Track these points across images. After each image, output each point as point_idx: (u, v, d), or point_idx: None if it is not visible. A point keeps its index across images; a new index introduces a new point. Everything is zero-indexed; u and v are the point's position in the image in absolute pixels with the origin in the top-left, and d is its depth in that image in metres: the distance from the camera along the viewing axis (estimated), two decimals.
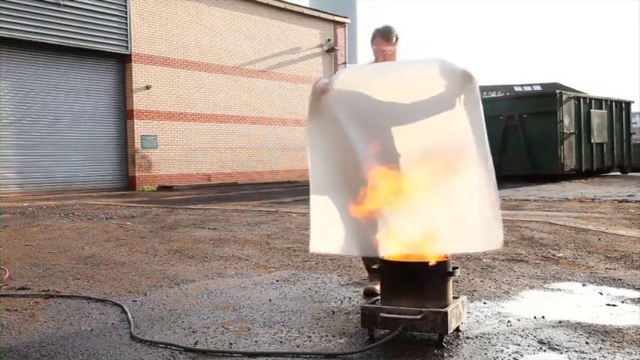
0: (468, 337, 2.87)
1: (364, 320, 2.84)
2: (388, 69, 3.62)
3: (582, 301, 3.57)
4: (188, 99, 19.30)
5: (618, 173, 20.58)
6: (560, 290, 3.88)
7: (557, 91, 18.06)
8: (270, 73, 21.90)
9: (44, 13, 15.98)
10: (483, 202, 3.14)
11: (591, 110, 18.51)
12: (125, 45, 17.72)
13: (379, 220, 3.24)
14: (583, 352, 2.64)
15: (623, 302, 3.52)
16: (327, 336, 2.94)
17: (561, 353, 2.65)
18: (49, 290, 4.07)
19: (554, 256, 5.07)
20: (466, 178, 3.20)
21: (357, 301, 3.61)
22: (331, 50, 24.14)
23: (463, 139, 3.22)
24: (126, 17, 17.70)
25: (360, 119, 3.38)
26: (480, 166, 3.16)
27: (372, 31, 3.95)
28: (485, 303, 3.52)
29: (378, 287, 3.33)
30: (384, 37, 3.77)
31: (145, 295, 3.92)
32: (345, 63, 24.90)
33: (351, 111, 3.40)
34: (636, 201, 10.41)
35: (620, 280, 4.10)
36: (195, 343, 2.84)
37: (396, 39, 3.75)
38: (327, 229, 3.48)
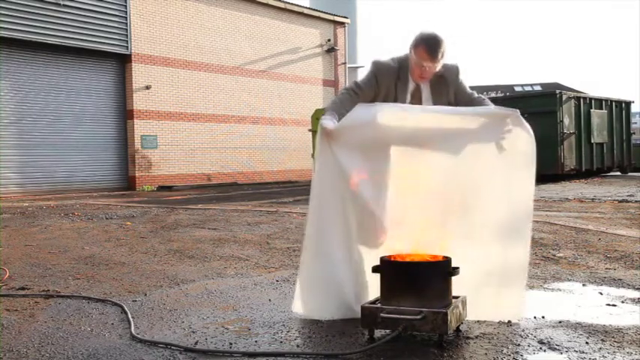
0: (468, 337, 2.87)
1: (364, 320, 2.84)
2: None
3: (582, 301, 3.57)
4: (188, 99, 19.30)
5: (618, 173, 20.57)
6: (560, 290, 3.88)
7: (557, 91, 18.05)
8: (270, 73, 21.91)
9: (44, 13, 15.99)
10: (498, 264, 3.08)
11: (591, 110, 18.50)
12: (125, 45, 17.72)
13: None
14: (583, 352, 2.64)
15: (623, 302, 3.52)
16: (327, 336, 2.94)
17: (561, 353, 2.65)
18: (49, 290, 4.07)
19: (554, 256, 5.07)
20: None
21: None
22: (331, 50, 24.14)
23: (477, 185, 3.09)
24: (126, 17, 17.70)
25: (364, 158, 3.15)
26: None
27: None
28: None
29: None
30: (429, 51, 3.13)
31: (145, 295, 3.92)
32: (345, 63, 24.91)
33: (355, 152, 3.14)
34: (636, 201, 10.41)
35: (620, 280, 4.10)
36: (195, 343, 2.84)
37: (442, 56, 3.16)
38: (320, 289, 3.21)
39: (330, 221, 3.21)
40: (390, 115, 3.14)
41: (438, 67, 3.19)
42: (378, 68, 3.32)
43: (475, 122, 3.12)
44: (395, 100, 3.30)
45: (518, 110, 3.12)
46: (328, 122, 3.17)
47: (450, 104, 3.34)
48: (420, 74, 3.22)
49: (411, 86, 3.31)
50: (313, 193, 3.24)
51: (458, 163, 3.14)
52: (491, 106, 3.26)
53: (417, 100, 3.33)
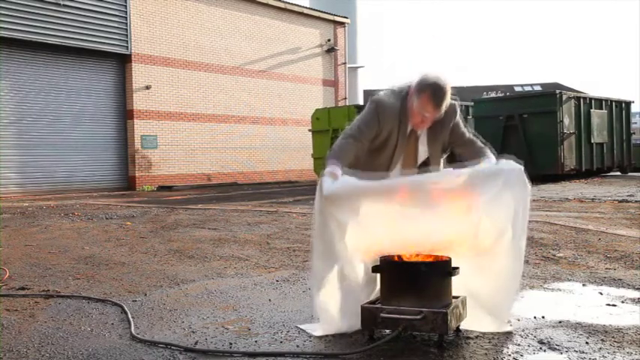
0: (468, 337, 2.87)
1: (364, 320, 2.84)
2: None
3: (582, 301, 3.57)
4: (188, 99, 19.31)
5: (618, 173, 20.56)
6: (560, 290, 3.88)
7: (557, 91, 18.04)
8: (270, 73, 21.91)
9: (44, 13, 15.99)
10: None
11: (591, 110, 18.49)
12: (125, 45, 17.72)
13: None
14: (583, 352, 2.64)
15: (623, 302, 3.52)
16: (327, 336, 2.94)
17: (561, 353, 2.65)
18: (49, 290, 4.07)
19: (554, 256, 5.07)
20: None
21: None
22: (331, 50, 24.14)
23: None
24: (126, 17, 17.70)
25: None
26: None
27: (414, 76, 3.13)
28: None
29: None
30: (434, 101, 3.01)
31: (145, 295, 3.92)
32: (344, 63, 24.91)
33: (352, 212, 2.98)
34: (636, 201, 10.40)
35: (620, 280, 4.10)
36: (195, 343, 2.84)
37: (446, 105, 3.05)
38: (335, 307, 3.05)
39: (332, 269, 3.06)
40: (379, 191, 3.03)
41: (439, 114, 3.08)
42: (381, 107, 3.18)
43: (472, 181, 2.96)
44: (395, 144, 3.20)
45: (522, 166, 2.96)
46: (328, 183, 2.96)
47: (443, 145, 3.27)
48: (420, 121, 3.12)
49: (409, 129, 3.20)
50: (313, 247, 3.13)
51: (456, 218, 2.96)
52: (490, 161, 3.13)
53: (412, 143, 3.23)
